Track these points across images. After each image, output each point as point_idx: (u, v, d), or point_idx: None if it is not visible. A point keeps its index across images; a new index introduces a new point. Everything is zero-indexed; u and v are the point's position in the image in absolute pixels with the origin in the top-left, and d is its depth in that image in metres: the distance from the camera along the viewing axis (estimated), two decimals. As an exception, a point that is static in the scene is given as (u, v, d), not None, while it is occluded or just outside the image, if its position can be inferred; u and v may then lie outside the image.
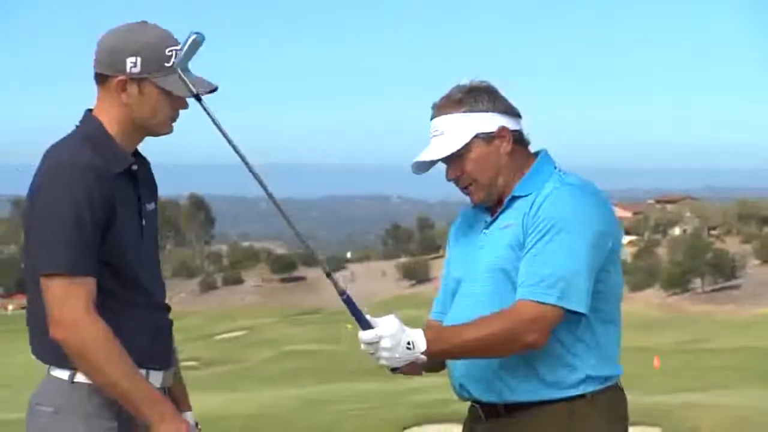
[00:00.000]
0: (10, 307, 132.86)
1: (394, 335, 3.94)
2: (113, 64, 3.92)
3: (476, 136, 4.18)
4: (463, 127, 4.19)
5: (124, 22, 4.02)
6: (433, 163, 4.28)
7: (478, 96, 4.21)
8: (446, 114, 4.22)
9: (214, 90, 3.99)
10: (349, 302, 3.99)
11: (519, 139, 4.26)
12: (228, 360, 78.55)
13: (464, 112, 4.19)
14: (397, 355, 3.95)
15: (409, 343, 3.96)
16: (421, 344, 3.97)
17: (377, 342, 3.94)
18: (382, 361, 3.97)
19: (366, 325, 3.98)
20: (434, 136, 4.24)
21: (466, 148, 4.19)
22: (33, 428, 3.95)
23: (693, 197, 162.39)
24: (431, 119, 4.27)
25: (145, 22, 4.00)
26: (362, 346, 3.99)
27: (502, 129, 4.21)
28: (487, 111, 4.20)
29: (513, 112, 4.27)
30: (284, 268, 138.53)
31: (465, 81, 4.28)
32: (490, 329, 4.00)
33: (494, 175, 4.22)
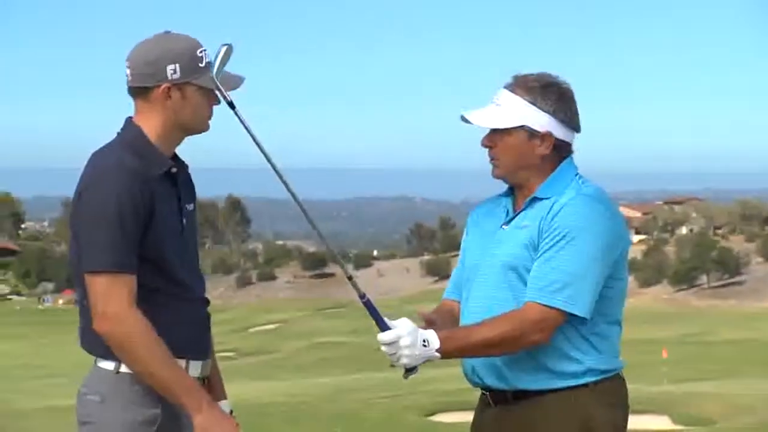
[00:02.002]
0: (61, 301, 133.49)
1: (411, 333, 3.97)
2: (154, 75, 3.94)
3: (522, 127, 4.17)
4: (517, 113, 4.16)
5: (147, 37, 4.03)
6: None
7: (547, 94, 4.17)
8: (513, 92, 4.19)
9: (241, 82, 4.04)
10: (368, 305, 4.04)
11: (559, 148, 4.23)
12: (263, 351, 78.62)
13: (527, 101, 4.16)
14: (416, 353, 3.98)
15: (424, 341, 3.99)
16: (435, 342, 4.00)
17: (397, 341, 3.96)
18: (403, 360, 3.98)
19: (384, 327, 4.01)
20: (493, 103, 4.22)
21: (509, 131, 4.18)
22: (81, 415, 3.98)
23: (699, 199, 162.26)
24: (504, 86, 4.24)
25: (168, 32, 4.03)
26: (382, 348, 4.01)
27: (548, 134, 4.18)
28: (546, 112, 4.17)
29: (570, 124, 4.23)
30: (315, 265, 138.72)
31: (551, 75, 4.23)
32: (499, 330, 4.04)
33: (518, 166, 4.21)
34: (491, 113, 4.21)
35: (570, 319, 4.07)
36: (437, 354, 4.00)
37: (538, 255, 4.10)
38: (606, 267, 4.10)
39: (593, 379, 4.17)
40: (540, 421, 4.17)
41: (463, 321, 4.30)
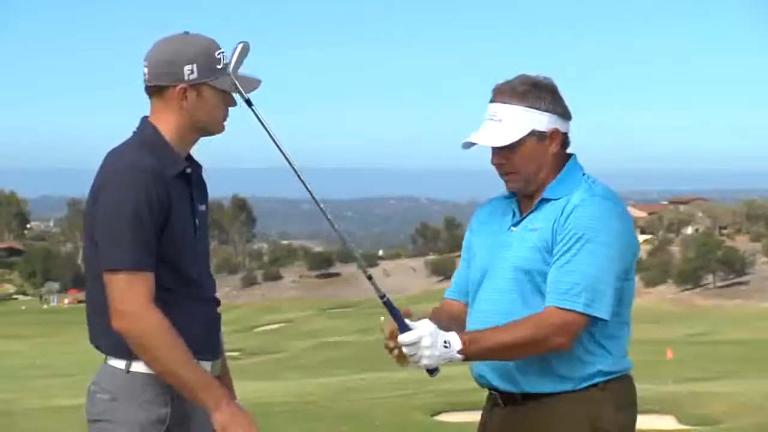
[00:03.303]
0: (66, 301, 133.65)
1: (432, 334, 3.94)
2: (171, 75, 3.95)
3: (531, 133, 4.14)
4: (521, 122, 4.13)
5: (165, 36, 4.03)
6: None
7: (541, 94, 4.15)
8: (508, 103, 4.15)
9: (258, 84, 4.04)
10: (388, 305, 3.98)
11: (565, 142, 4.23)
12: (268, 350, 78.59)
13: (525, 107, 4.13)
14: (437, 353, 3.94)
15: (445, 342, 3.95)
16: (456, 343, 3.97)
17: (418, 342, 3.93)
18: (424, 361, 3.95)
19: (404, 327, 3.97)
20: (491, 119, 4.17)
21: (519, 142, 4.14)
22: (92, 414, 3.99)
23: (704, 198, 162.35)
24: (491, 101, 4.19)
25: (187, 33, 4.03)
26: (404, 349, 3.96)
27: (555, 131, 4.17)
28: (546, 111, 4.15)
29: (566, 115, 4.22)
30: (321, 264, 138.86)
31: (530, 74, 4.21)
32: (521, 333, 4.01)
33: (536, 171, 4.18)
34: (496, 131, 4.16)
35: (588, 324, 4.05)
36: (459, 356, 3.98)
37: (555, 258, 4.07)
38: (623, 267, 4.10)
39: (603, 379, 4.16)
40: (550, 422, 4.15)
41: (472, 324, 4.27)
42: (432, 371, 4.04)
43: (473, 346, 4.00)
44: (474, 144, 4.19)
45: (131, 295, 3.79)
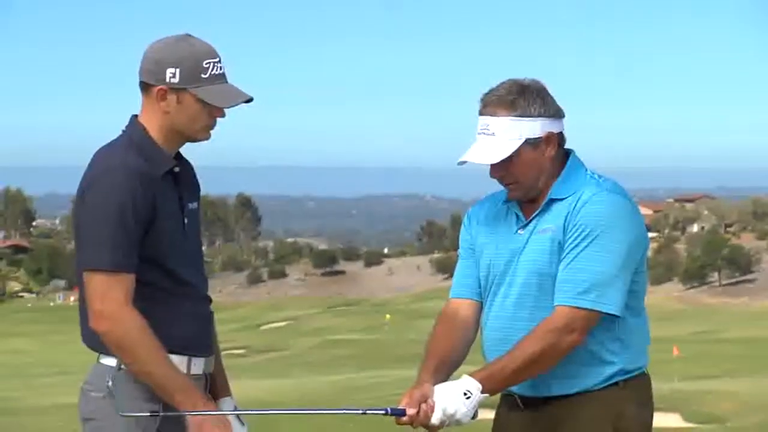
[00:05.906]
0: (72, 299, 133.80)
1: (449, 399, 3.95)
2: (155, 74, 3.94)
3: (525, 142, 4.06)
4: (514, 133, 4.05)
5: (169, 35, 4.03)
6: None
7: (530, 99, 4.06)
8: (497, 115, 4.07)
9: (249, 100, 4.03)
10: (395, 413, 3.97)
11: (560, 141, 4.16)
12: (273, 348, 78.69)
13: (516, 116, 4.05)
14: (464, 409, 3.94)
15: (465, 393, 3.95)
16: (475, 387, 3.96)
17: (445, 413, 3.93)
18: (463, 420, 3.96)
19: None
20: (483, 133, 4.10)
21: (515, 153, 4.06)
22: (85, 411, 4.01)
23: (710, 196, 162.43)
24: (480, 113, 4.12)
25: (188, 35, 4.02)
26: (437, 422, 3.96)
27: (550, 135, 4.09)
28: (537, 117, 4.06)
29: (558, 114, 4.14)
30: (326, 262, 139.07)
31: (516, 79, 4.13)
32: (533, 349, 3.99)
33: (537, 177, 4.12)
34: (490, 146, 4.09)
35: (600, 320, 4.02)
36: (484, 395, 3.98)
37: (564, 255, 4.03)
38: (634, 261, 4.06)
39: (623, 378, 4.14)
40: (571, 422, 4.12)
41: (491, 331, 4.23)
42: (472, 417, 4.03)
43: (493, 382, 4.00)
44: (464, 162, 4.13)
45: (109, 296, 3.80)
